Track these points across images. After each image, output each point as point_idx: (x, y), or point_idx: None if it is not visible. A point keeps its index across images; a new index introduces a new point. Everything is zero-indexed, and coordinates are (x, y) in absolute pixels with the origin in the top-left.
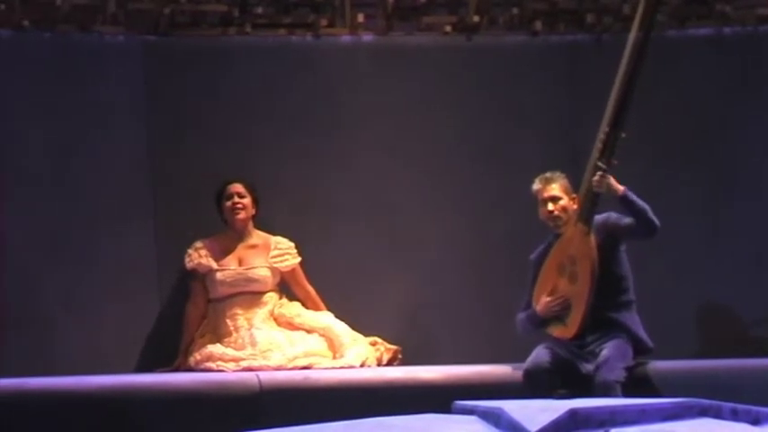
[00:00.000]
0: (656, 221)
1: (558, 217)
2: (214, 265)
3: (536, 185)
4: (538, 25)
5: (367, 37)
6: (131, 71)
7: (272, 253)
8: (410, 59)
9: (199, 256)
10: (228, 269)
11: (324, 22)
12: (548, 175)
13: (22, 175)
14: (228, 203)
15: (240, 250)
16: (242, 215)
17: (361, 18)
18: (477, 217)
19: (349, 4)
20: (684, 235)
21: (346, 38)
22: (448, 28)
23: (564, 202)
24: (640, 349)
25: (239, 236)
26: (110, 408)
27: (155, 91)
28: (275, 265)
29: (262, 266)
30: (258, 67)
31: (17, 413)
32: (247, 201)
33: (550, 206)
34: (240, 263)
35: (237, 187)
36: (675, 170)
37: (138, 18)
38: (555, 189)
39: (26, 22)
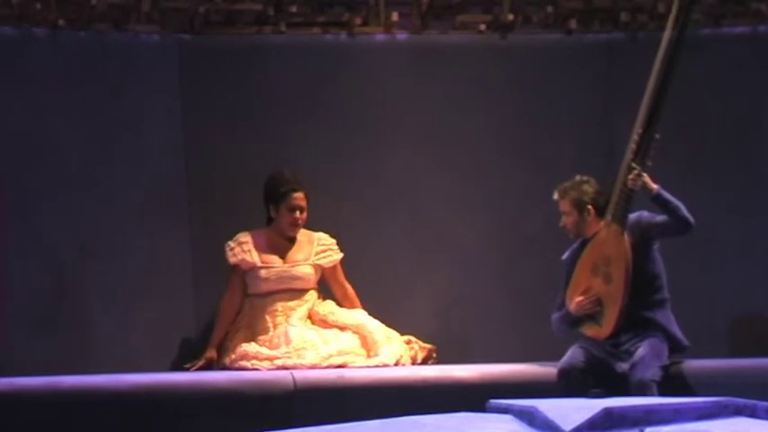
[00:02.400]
0: (691, 218)
1: (566, 228)
2: (258, 261)
3: (554, 194)
4: (572, 24)
5: (401, 36)
6: (166, 70)
7: (316, 249)
8: (444, 58)
9: (242, 251)
10: (273, 266)
11: (358, 20)
12: (566, 185)
13: (57, 174)
14: (290, 216)
15: (284, 247)
16: (298, 230)
17: (395, 17)
18: (510, 215)
19: (383, 3)
20: (719, 234)
21: (381, 36)
22: (482, 26)
23: (571, 217)
24: (676, 348)
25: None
26: (144, 406)
27: (189, 90)
28: (318, 262)
29: (305, 263)
30: (292, 66)
31: (52, 412)
32: (305, 215)
33: (562, 219)
34: (284, 260)
35: (302, 200)
36: (710, 169)
37: (172, 17)
38: (562, 204)
39: (61, 21)
